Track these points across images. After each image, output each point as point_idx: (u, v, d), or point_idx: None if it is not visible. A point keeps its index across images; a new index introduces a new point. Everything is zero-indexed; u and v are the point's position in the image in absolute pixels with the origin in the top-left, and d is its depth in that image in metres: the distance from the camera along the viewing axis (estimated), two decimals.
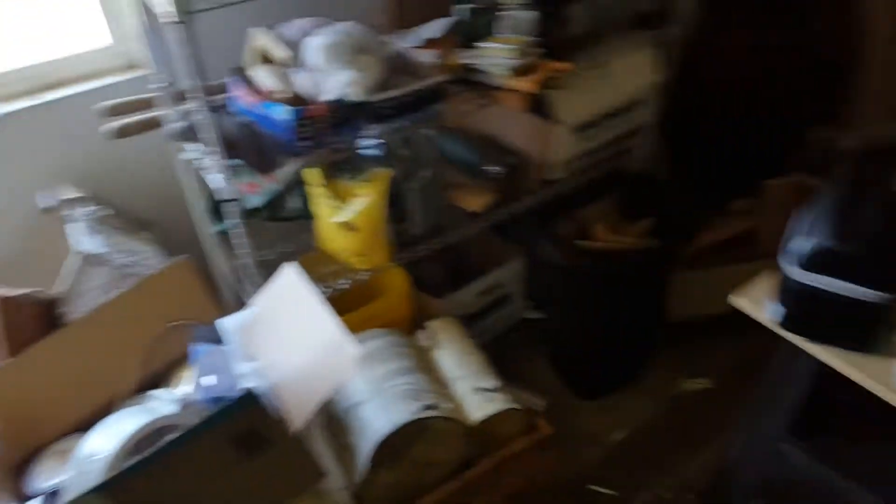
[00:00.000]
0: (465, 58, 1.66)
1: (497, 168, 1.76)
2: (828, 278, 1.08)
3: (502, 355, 1.74)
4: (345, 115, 1.41)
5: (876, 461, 1.34)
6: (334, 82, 1.42)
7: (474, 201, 1.80)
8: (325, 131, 1.40)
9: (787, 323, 1.16)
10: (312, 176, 1.53)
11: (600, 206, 2.05)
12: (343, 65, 1.44)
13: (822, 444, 1.35)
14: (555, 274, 1.93)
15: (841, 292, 1.07)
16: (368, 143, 1.56)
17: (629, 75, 1.92)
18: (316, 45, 1.45)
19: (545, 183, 1.89)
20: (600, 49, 1.87)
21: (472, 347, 1.65)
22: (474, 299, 2.04)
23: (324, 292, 1.43)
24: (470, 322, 1.94)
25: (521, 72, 1.63)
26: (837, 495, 1.33)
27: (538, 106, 1.75)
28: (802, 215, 1.16)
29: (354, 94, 1.41)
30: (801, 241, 1.11)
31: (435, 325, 1.70)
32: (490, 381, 1.54)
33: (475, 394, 1.51)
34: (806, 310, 1.13)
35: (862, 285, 1.06)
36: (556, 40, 1.76)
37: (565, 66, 1.71)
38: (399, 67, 1.57)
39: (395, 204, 1.60)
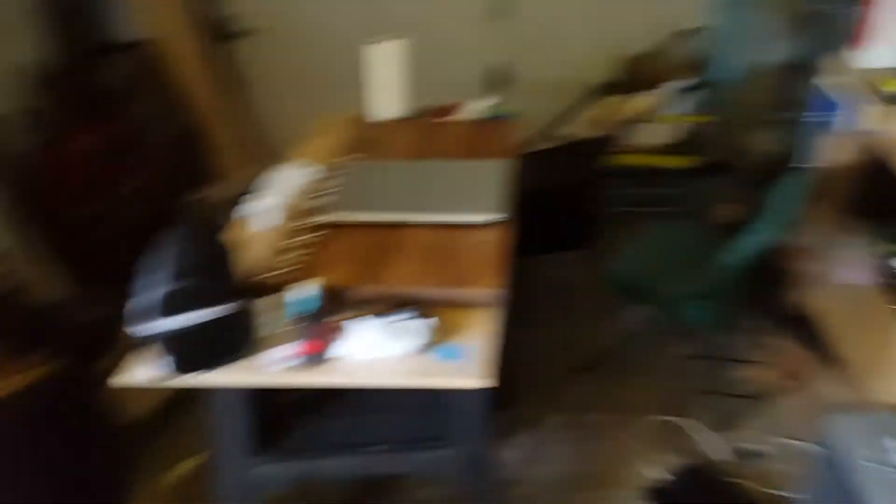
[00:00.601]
0: None
1: None
2: (190, 313, 1.18)
3: None
4: None
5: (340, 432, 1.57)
6: None
7: None
8: None
9: (180, 368, 1.22)
10: None
11: None
12: None
13: (285, 446, 1.50)
14: None
15: (205, 318, 1.19)
16: None
17: None
18: None
19: None
20: None
21: None
22: None
23: None
24: None
25: None
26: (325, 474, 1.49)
27: None
28: (142, 272, 1.22)
29: None
30: (151, 294, 1.18)
31: None
32: None
33: None
34: (188, 348, 1.21)
35: (216, 305, 1.19)
36: None
37: None
38: None
39: None
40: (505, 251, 1.49)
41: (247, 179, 2.77)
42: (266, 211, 1.70)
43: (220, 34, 3.03)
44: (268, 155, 3.22)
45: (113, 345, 1.98)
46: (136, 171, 2.19)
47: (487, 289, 1.37)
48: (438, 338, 1.29)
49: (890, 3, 1.74)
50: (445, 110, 2.24)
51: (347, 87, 2.81)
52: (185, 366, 1.21)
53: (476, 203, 1.62)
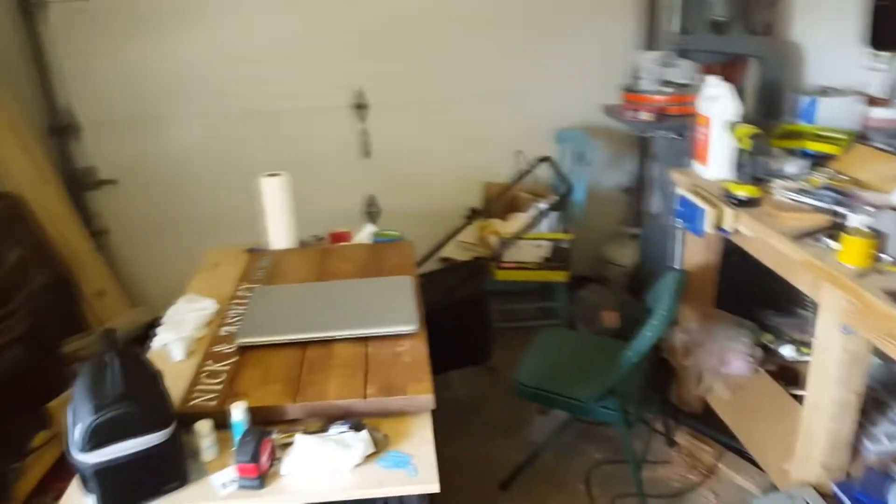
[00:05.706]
0: None
1: None
2: (115, 444, 1.07)
3: None
4: None
5: None
6: None
7: None
8: None
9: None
10: None
11: None
12: None
13: None
14: None
15: (134, 449, 1.08)
16: None
17: None
18: None
19: None
20: None
21: None
22: None
23: None
24: None
25: None
26: None
27: None
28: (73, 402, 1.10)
29: None
30: (72, 431, 1.06)
31: None
32: None
33: None
34: (110, 484, 1.08)
35: (145, 434, 1.09)
36: None
37: None
38: None
39: None
40: (426, 359, 1.50)
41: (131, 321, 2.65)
42: (169, 344, 1.61)
43: (76, 185, 2.99)
44: (138, 300, 3.09)
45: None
46: (10, 318, 2.00)
47: (419, 395, 1.37)
48: (380, 447, 1.26)
49: (712, 132, 2.09)
50: (339, 236, 2.28)
51: (219, 226, 2.81)
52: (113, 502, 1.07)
53: (391, 315, 1.64)
